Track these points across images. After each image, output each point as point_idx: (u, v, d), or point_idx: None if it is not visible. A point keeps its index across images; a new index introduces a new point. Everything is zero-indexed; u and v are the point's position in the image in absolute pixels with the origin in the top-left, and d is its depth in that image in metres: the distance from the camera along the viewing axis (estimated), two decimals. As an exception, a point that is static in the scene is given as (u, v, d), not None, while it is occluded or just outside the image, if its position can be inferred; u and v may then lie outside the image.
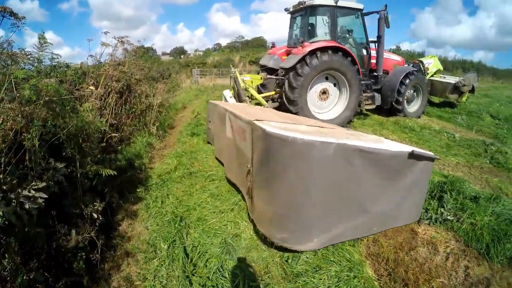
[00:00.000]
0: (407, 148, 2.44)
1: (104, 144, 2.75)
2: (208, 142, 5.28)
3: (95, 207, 2.32)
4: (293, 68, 5.87)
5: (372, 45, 7.22)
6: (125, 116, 4.85)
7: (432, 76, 9.00)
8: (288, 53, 7.16)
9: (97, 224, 2.27)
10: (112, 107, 4.21)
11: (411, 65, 8.63)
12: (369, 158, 2.24)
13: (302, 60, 5.80)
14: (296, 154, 2.08)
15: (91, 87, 3.83)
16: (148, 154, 4.75)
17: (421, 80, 7.62)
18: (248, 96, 6.33)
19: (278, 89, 6.77)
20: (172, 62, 23.12)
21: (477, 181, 3.89)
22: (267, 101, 6.58)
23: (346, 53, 6.09)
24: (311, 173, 2.13)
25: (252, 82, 6.62)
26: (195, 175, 3.88)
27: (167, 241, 2.48)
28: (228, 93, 6.63)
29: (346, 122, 6.47)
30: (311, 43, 6.16)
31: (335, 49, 5.98)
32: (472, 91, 8.77)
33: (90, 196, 2.34)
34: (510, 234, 2.39)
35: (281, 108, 6.33)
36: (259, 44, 44.22)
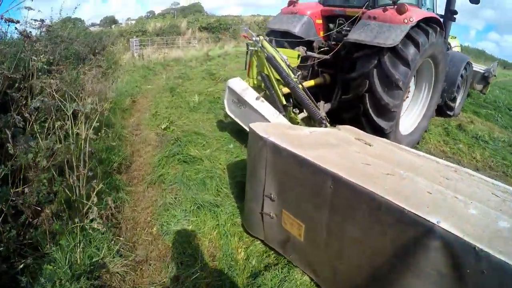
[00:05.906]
0: None
1: None
2: (254, 237, 2.39)
3: None
4: (392, 48, 3.21)
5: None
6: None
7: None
8: (329, 15, 4.54)
9: None
10: None
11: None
12: None
13: (408, 35, 3.26)
14: None
15: None
16: None
17: (471, 71, 6.24)
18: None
19: (317, 78, 4.31)
20: (104, 32, 16.72)
21: None
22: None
23: (443, 33, 4.02)
24: None
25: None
26: None
27: None
28: (245, 88, 3.59)
29: (421, 136, 4.55)
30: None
31: (439, 24, 3.79)
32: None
33: None
34: None
35: (338, 116, 3.83)
36: (196, 10, 38.15)
